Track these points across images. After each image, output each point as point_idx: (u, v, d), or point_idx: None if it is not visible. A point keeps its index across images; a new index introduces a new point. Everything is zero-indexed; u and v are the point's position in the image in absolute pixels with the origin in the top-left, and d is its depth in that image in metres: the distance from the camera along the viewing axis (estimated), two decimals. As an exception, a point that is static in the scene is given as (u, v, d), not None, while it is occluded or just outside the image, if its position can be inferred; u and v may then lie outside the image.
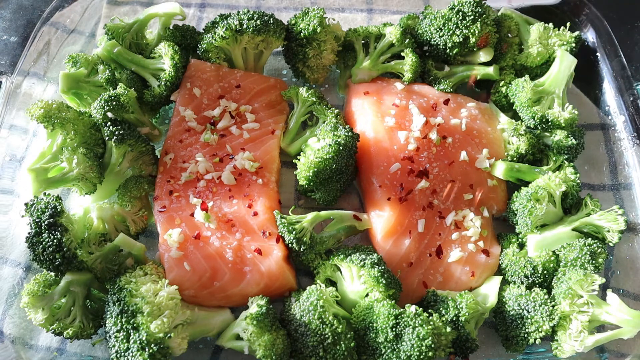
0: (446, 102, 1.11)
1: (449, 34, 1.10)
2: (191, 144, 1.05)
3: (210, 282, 0.92)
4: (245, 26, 1.08)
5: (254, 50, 1.14)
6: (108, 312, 0.85)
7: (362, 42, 1.18)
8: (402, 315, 0.85)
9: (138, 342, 0.81)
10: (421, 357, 0.82)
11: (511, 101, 1.11)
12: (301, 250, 0.94)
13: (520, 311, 0.92)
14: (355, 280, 0.92)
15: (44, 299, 0.88)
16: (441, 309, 0.91)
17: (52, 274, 0.90)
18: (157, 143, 1.10)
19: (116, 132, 0.97)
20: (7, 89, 1.06)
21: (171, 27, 1.13)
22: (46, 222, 0.86)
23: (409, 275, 0.98)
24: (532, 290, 0.95)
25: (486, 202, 1.04)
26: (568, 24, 1.16)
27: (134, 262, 0.95)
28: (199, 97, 1.09)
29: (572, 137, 1.06)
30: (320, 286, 0.92)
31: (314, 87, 1.18)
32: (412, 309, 0.86)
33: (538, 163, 1.09)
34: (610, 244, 1.00)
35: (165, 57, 1.08)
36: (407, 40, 1.14)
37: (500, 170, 1.03)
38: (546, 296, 0.93)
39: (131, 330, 0.82)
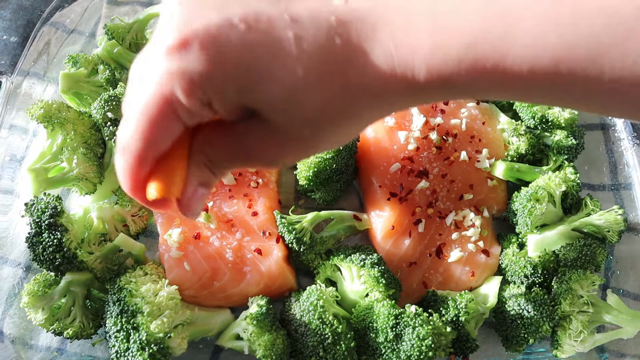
0: (446, 102, 1.11)
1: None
2: (191, 144, 1.05)
3: (210, 282, 0.92)
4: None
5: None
6: (108, 312, 0.85)
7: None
8: (402, 315, 0.85)
9: (138, 342, 0.80)
10: (421, 357, 0.82)
11: (511, 101, 1.11)
12: (301, 250, 0.94)
13: (520, 311, 0.92)
14: (355, 280, 0.92)
15: (44, 299, 0.88)
16: (441, 309, 0.91)
17: (52, 274, 0.90)
18: (157, 143, 1.10)
19: (116, 132, 0.97)
20: (7, 89, 1.06)
21: (171, 27, 1.13)
22: (46, 222, 0.86)
23: (409, 275, 0.98)
24: (532, 290, 0.95)
25: (486, 202, 1.04)
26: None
27: (134, 262, 0.95)
28: (199, 97, 1.09)
29: (572, 137, 1.06)
30: (320, 286, 0.91)
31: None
32: (412, 309, 0.86)
33: (538, 163, 1.09)
34: (610, 244, 1.00)
35: (165, 57, 1.08)
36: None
37: (500, 170, 1.03)
38: (546, 296, 0.93)
39: (131, 330, 0.82)
